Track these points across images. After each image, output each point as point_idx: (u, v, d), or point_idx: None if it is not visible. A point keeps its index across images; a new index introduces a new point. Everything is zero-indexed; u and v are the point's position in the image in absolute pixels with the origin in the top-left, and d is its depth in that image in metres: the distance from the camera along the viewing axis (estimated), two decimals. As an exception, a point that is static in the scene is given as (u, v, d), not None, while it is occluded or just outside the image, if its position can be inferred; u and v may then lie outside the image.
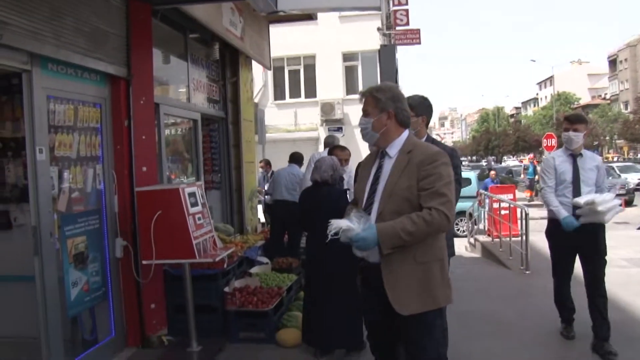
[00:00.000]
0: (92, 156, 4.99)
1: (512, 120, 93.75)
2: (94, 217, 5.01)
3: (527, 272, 8.43)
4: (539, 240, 7.93)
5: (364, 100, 3.18)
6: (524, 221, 8.84)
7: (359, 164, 3.52)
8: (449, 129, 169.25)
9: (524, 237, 8.72)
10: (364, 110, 3.18)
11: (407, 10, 22.77)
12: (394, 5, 22.42)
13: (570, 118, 5.35)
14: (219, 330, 5.58)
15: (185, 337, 5.31)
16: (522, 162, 32.58)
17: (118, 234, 5.19)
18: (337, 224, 2.87)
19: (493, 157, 68.25)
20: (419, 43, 22.86)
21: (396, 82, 21.85)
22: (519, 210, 9.54)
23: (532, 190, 25.08)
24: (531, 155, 31.73)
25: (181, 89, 7.09)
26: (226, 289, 5.69)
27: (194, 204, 4.89)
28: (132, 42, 5.34)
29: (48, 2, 4.20)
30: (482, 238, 11.96)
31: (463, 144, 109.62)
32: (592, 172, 5.21)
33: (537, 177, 25.70)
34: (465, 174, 15.21)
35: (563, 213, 5.16)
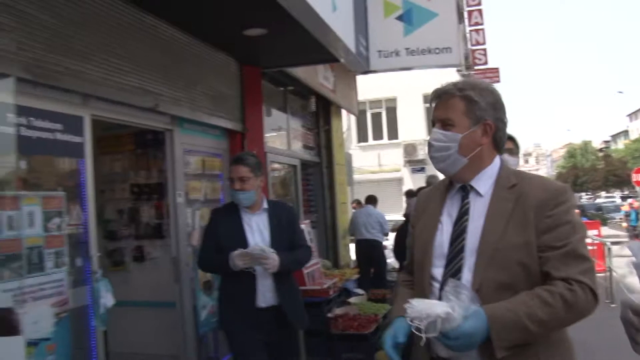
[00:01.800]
0: (215, 199, 5.86)
1: (600, 154, 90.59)
2: (217, 251, 5.85)
3: (613, 305, 8.63)
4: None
5: (443, 102, 2.04)
6: (608, 258, 9.13)
7: (418, 200, 2.32)
8: (534, 165, 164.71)
9: (608, 273, 8.97)
10: (443, 118, 2.01)
11: (485, 50, 23.21)
12: (472, 45, 22.97)
13: None
14: (324, 351, 6.23)
15: (294, 358, 6.00)
16: (622, 207, 28.43)
17: (236, 266, 6.00)
18: (432, 309, 1.71)
19: (583, 193, 66.10)
20: (499, 81, 23.26)
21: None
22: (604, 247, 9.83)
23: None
24: (632, 200, 28.20)
25: (282, 138, 7.97)
26: (329, 315, 6.37)
27: (304, 239, 5.64)
28: (246, 101, 6.26)
29: (185, 75, 5.15)
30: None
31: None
32: None
33: None
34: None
35: None
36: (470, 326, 1.69)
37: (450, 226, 2.01)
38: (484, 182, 2.01)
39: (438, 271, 1.98)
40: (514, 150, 3.50)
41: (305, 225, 5.83)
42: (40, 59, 3.45)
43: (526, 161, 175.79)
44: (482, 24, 23.18)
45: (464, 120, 1.98)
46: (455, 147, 1.97)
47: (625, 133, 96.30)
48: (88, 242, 3.89)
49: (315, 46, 5.26)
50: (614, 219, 29.33)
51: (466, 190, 2.04)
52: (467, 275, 1.89)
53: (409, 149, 23.14)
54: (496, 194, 1.97)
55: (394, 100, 24.29)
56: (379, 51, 6.38)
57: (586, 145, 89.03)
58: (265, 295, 3.67)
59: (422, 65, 6.88)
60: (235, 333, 3.73)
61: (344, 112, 11.68)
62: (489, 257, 1.86)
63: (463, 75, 22.92)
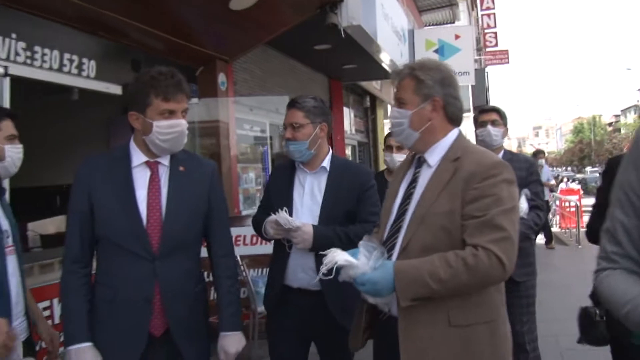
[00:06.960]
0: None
1: (610, 129, 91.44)
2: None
3: (580, 246, 11.92)
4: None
5: (398, 83, 2.21)
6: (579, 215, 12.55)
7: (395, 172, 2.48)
8: (544, 138, 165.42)
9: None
10: (398, 98, 2.19)
11: (495, 33, 25.37)
12: (483, 28, 25.20)
13: None
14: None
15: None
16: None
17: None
18: (333, 257, 1.94)
19: (590, 167, 67.95)
20: (508, 62, 25.38)
21: (487, 100, 24.50)
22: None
23: None
24: None
25: (346, 125, 11.18)
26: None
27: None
28: (333, 103, 9.49)
29: (306, 92, 8.34)
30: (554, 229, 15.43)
31: (558, 154, 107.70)
32: None
33: None
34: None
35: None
36: (376, 275, 1.89)
37: (403, 193, 2.18)
38: (436, 154, 2.12)
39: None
40: (498, 121, 3.62)
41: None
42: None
43: (536, 134, 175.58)
44: (493, 8, 25.42)
45: (414, 98, 2.12)
46: (407, 123, 2.13)
47: (636, 107, 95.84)
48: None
49: (385, 72, 8.48)
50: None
51: (420, 161, 2.18)
52: (401, 235, 2.07)
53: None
54: (441, 165, 2.09)
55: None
56: (422, 73, 9.54)
57: (595, 119, 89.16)
58: (297, 274, 2.87)
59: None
60: (267, 313, 3.15)
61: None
62: (419, 221, 2.02)
63: (475, 60, 25.35)
